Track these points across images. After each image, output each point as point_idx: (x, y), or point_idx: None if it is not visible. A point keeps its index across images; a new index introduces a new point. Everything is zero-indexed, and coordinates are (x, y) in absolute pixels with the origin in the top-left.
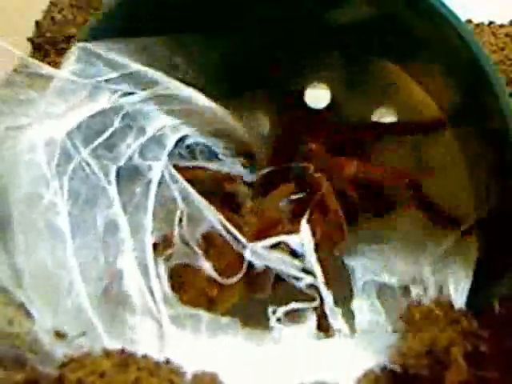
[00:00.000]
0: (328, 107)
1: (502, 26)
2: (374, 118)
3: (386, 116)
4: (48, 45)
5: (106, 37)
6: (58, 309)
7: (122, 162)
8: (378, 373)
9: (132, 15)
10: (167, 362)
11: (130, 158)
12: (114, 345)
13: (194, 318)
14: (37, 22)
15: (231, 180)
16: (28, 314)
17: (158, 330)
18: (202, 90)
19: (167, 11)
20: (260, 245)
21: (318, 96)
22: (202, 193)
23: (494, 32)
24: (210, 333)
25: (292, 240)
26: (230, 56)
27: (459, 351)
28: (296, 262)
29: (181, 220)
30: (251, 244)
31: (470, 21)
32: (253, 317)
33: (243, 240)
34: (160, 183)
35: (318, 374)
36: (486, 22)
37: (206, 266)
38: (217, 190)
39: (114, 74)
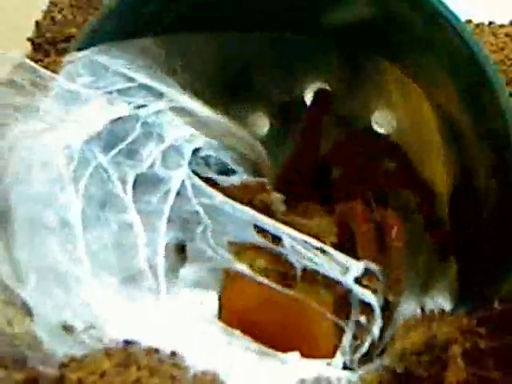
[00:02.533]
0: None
1: (502, 26)
2: (374, 118)
3: (385, 116)
4: (48, 45)
5: (106, 37)
6: (64, 303)
7: (142, 169)
8: (381, 371)
9: (132, 15)
10: (172, 354)
11: (151, 166)
12: (121, 337)
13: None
14: (37, 22)
15: (264, 189)
16: (28, 314)
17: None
18: (200, 91)
19: (167, 11)
20: (300, 237)
21: None
22: None
23: (493, 32)
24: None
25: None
26: (229, 57)
27: (459, 350)
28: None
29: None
30: (289, 239)
31: (469, 21)
32: None
33: (283, 234)
34: (178, 194)
35: (320, 370)
36: (486, 22)
37: (242, 268)
38: (249, 202)
39: (123, 85)
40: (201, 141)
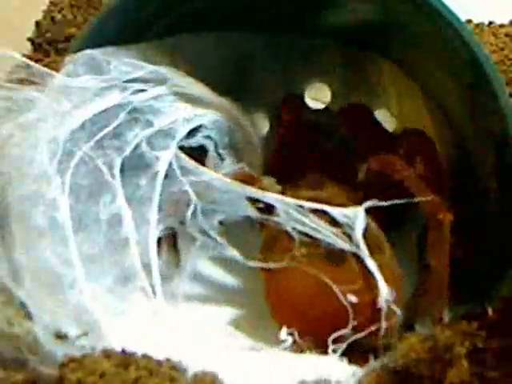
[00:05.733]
0: (328, 107)
1: (501, 25)
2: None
3: (385, 116)
4: (48, 45)
5: (106, 37)
6: (59, 307)
7: (127, 151)
8: (380, 372)
9: (132, 15)
10: (168, 359)
11: (137, 147)
12: (117, 341)
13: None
14: (37, 22)
15: (254, 179)
16: (28, 314)
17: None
18: None
19: (168, 12)
20: (294, 203)
21: (318, 96)
22: None
23: (493, 32)
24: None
25: (336, 212)
26: (229, 57)
27: (463, 350)
28: (335, 230)
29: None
30: (283, 204)
31: (470, 21)
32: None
33: (276, 202)
34: (166, 176)
35: (320, 372)
36: (486, 22)
37: (234, 254)
38: None
39: (124, 78)
40: (200, 120)
